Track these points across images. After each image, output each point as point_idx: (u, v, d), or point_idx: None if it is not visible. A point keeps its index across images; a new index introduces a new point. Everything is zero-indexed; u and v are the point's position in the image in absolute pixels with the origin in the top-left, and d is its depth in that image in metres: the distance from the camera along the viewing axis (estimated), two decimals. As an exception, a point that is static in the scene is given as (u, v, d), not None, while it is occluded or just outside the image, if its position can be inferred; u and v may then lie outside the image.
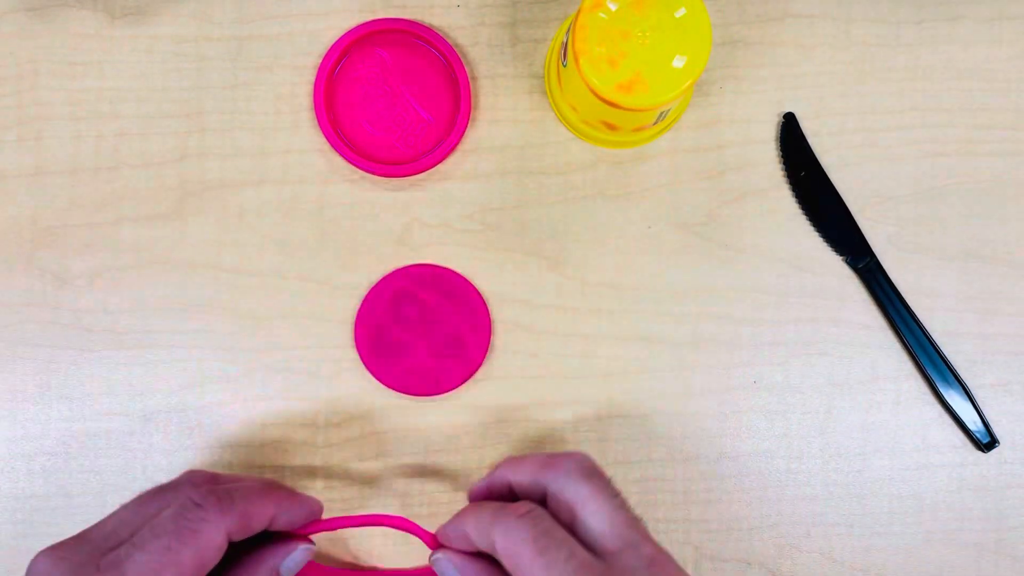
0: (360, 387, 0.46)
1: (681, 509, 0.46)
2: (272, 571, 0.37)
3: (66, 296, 0.46)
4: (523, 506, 0.34)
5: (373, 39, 0.46)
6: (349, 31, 0.46)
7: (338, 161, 0.47)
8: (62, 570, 0.32)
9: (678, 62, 0.39)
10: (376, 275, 0.46)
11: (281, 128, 0.47)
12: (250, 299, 0.46)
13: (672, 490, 0.47)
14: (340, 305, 0.46)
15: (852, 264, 0.46)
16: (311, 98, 0.47)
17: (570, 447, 0.46)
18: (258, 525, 0.36)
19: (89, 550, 0.33)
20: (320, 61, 0.46)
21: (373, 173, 0.46)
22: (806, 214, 0.47)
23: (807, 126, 0.47)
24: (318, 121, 0.46)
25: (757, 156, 0.47)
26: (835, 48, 0.47)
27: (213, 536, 0.34)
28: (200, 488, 0.35)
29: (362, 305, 0.46)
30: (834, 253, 0.47)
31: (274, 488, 0.38)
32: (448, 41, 0.46)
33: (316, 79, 0.46)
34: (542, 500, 0.36)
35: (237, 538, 0.35)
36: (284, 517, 0.37)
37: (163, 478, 0.40)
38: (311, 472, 0.46)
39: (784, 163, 0.47)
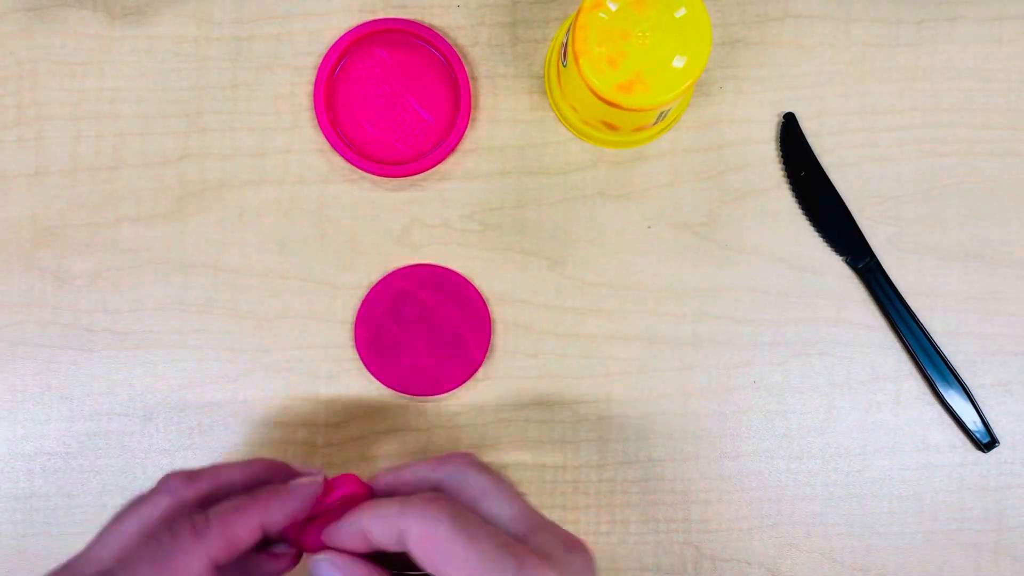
0: (360, 387, 0.46)
1: (681, 509, 0.46)
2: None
3: (66, 296, 0.47)
4: (430, 494, 0.33)
5: (373, 39, 0.46)
6: (349, 31, 0.46)
7: (338, 161, 0.47)
8: None
9: (678, 62, 0.39)
10: (376, 275, 0.46)
11: (281, 128, 0.47)
12: (250, 299, 0.46)
13: (672, 490, 0.47)
14: (340, 305, 0.46)
15: (852, 264, 0.46)
16: (311, 98, 0.47)
17: (570, 447, 0.46)
18: (246, 544, 0.33)
19: None
20: (320, 61, 0.46)
21: (373, 173, 0.46)
22: (806, 214, 0.47)
23: (807, 126, 0.47)
24: (318, 121, 0.46)
25: (757, 156, 0.47)
26: (835, 48, 0.47)
27: (193, 569, 0.32)
28: (177, 503, 0.34)
29: (362, 305, 0.46)
30: (834, 253, 0.47)
31: (260, 491, 0.35)
32: (448, 41, 0.46)
33: (316, 79, 0.46)
34: None
35: (225, 561, 0.33)
36: (275, 521, 0.34)
37: (163, 478, 0.40)
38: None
39: (784, 163, 0.47)
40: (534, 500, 0.46)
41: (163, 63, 0.47)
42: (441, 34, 0.46)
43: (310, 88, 0.47)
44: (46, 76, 0.47)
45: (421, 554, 0.31)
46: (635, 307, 0.47)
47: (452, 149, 0.46)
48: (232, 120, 0.47)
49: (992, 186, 0.47)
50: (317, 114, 0.46)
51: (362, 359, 0.46)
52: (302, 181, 0.47)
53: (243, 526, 0.33)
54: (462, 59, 0.46)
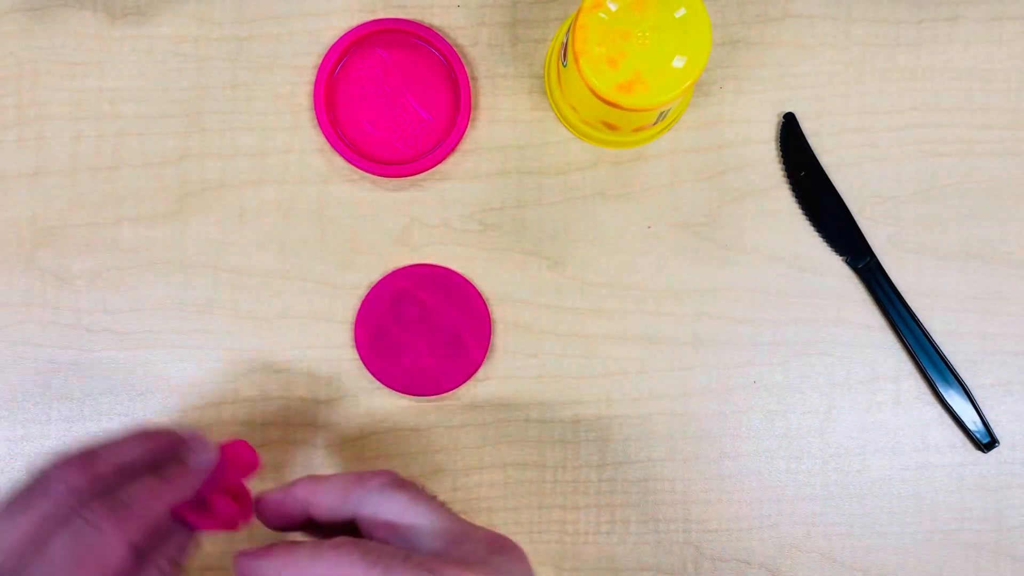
0: (360, 387, 0.46)
1: (681, 509, 0.46)
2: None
3: (66, 296, 0.46)
4: (339, 539, 0.32)
5: (373, 39, 0.46)
6: (349, 31, 0.46)
7: (338, 161, 0.47)
8: None
9: (678, 62, 0.39)
10: (376, 275, 0.46)
11: (281, 128, 0.47)
12: (250, 299, 0.46)
13: (672, 490, 0.47)
14: (340, 305, 0.46)
15: (852, 264, 0.46)
16: (311, 98, 0.47)
17: (570, 447, 0.46)
18: (163, 522, 0.33)
19: None
20: (320, 61, 0.46)
21: (373, 173, 0.46)
22: (806, 214, 0.47)
23: (807, 126, 0.47)
24: (318, 121, 0.46)
25: (757, 156, 0.47)
26: (835, 48, 0.47)
27: (116, 555, 0.31)
28: (80, 490, 0.32)
29: (362, 305, 0.46)
30: (834, 253, 0.47)
31: (169, 472, 0.35)
32: (448, 41, 0.46)
33: (316, 79, 0.46)
34: (349, 523, 0.35)
35: (145, 545, 0.32)
36: (183, 499, 0.34)
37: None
38: (311, 472, 0.46)
39: (784, 163, 0.47)
40: (534, 500, 0.46)
41: (163, 63, 0.47)
42: (441, 34, 0.46)
43: (310, 88, 0.47)
44: (46, 76, 0.47)
45: None
46: (635, 307, 0.47)
47: (452, 149, 0.46)
48: (232, 120, 0.47)
49: (992, 186, 0.47)
50: (317, 114, 0.46)
51: (362, 359, 0.46)
52: (302, 181, 0.47)
53: (159, 508, 0.33)
54: (462, 59, 0.46)
